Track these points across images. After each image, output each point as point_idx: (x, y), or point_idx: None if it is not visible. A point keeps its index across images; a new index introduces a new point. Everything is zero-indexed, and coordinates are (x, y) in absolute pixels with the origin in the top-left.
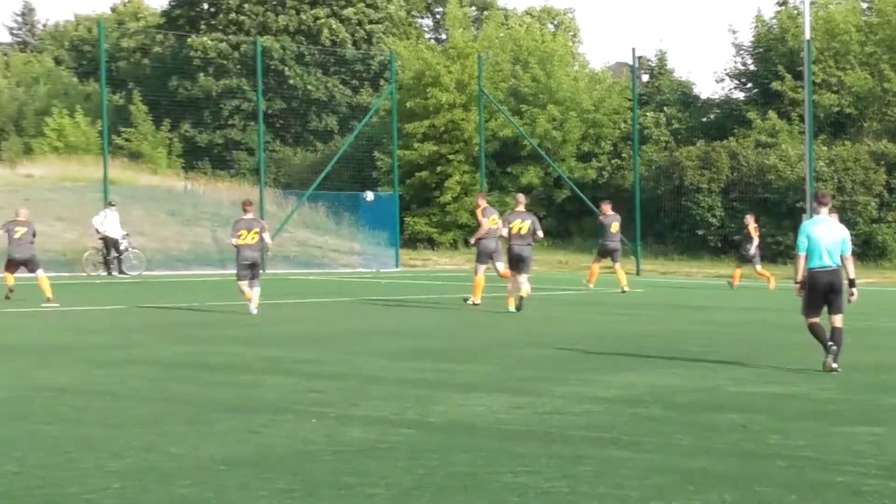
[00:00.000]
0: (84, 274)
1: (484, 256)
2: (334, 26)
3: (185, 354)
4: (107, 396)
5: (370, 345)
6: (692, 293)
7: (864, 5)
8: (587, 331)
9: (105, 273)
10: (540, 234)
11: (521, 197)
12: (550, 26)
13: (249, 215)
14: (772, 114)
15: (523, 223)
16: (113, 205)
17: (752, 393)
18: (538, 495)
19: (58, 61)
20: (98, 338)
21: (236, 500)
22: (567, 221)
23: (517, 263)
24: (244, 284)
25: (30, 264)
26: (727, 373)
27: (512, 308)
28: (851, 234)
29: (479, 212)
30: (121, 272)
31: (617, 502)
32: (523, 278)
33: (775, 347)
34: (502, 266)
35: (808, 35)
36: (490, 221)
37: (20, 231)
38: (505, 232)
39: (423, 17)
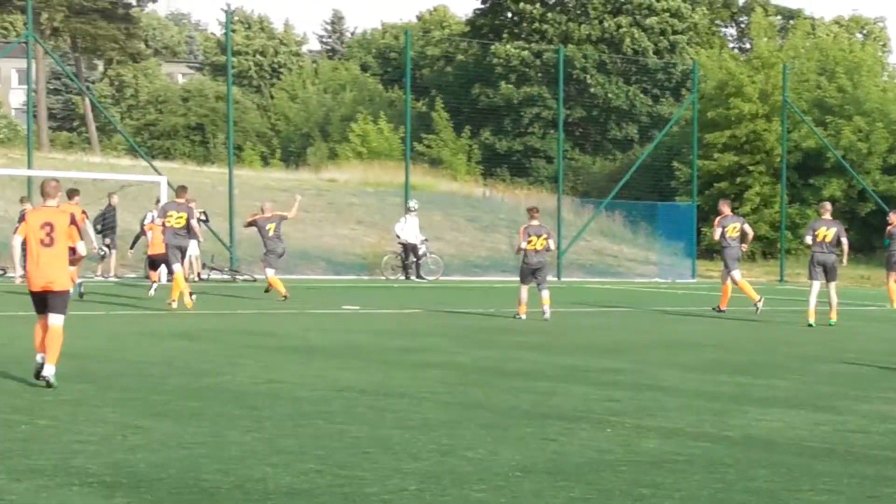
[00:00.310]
0: (383, 277)
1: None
2: (636, 35)
3: (482, 359)
4: (405, 399)
5: (666, 355)
6: None
7: None
8: (892, 348)
9: (403, 277)
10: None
11: (828, 205)
12: (859, 35)
13: (536, 221)
14: None
15: (828, 231)
16: (413, 210)
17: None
18: None
19: (364, 68)
20: (397, 341)
21: None
22: (870, 235)
23: (823, 271)
24: (525, 289)
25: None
26: None
27: (812, 321)
28: None
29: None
30: (418, 276)
31: None
32: (831, 287)
33: None
34: (738, 274)
35: None
36: (730, 230)
37: (271, 227)
38: (809, 240)
39: (726, 27)
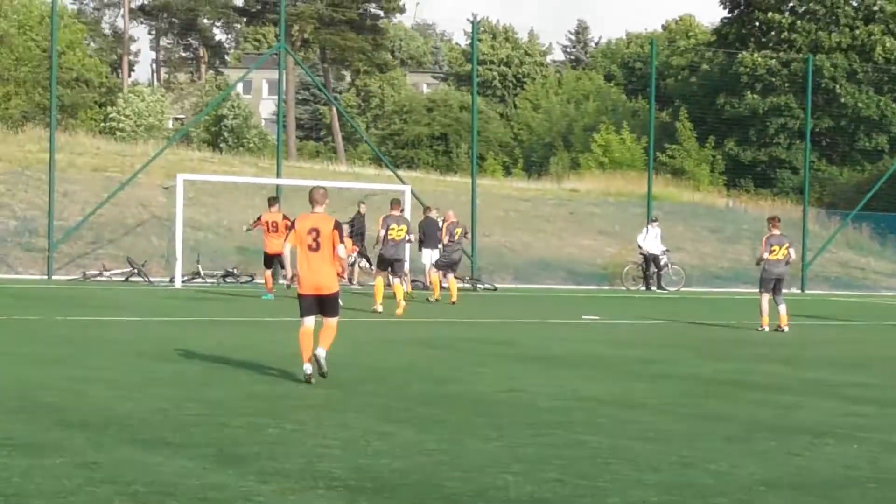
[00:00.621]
0: (623, 288)
1: None
2: (888, 44)
3: (723, 371)
4: (645, 410)
5: None
6: None
7: None
8: None
9: (644, 288)
10: None
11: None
12: None
13: (777, 231)
14: None
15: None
16: (655, 221)
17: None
18: None
19: (608, 78)
20: (637, 351)
21: None
22: None
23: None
24: (766, 299)
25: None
26: None
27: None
28: None
29: None
30: (659, 287)
31: None
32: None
33: None
34: None
35: None
36: None
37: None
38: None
39: None
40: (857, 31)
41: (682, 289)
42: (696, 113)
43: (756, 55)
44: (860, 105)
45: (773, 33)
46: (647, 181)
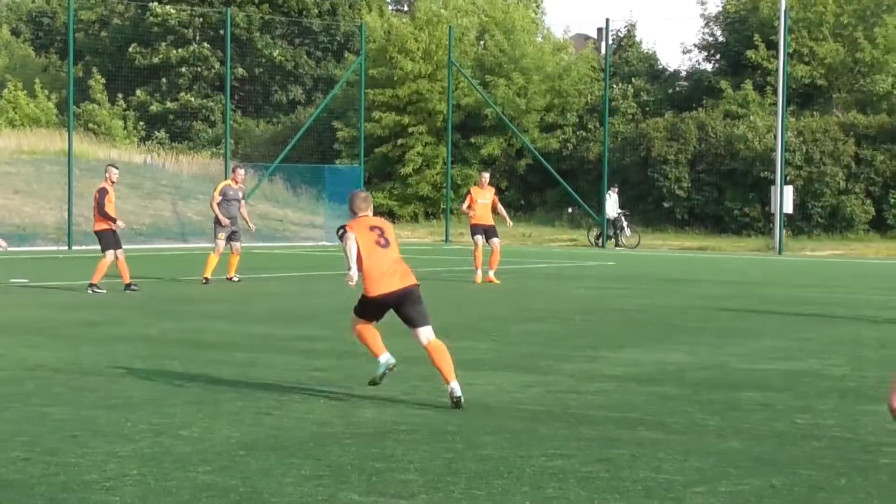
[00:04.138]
0: (49, 248)
1: None
2: None
3: (172, 331)
4: (102, 377)
5: None
6: (666, 266)
7: None
8: (576, 305)
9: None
10: None
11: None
12: None
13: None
14: (747, 83)
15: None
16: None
17: (763, 370)
18: (578, 481)
19: (15, 33)
20: (79, 314)
21: (263, 487)
22: (530, 193)
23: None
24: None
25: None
26: (732, 349)
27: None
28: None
29: None
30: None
31: (661, 487)
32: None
33: (775, 321)
34: None
35: (783, 4)
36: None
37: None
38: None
39: None
40: None
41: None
42: (108, 67)
43: (168, 7)
44: (275, 54)
45: None
46: (69, 139)
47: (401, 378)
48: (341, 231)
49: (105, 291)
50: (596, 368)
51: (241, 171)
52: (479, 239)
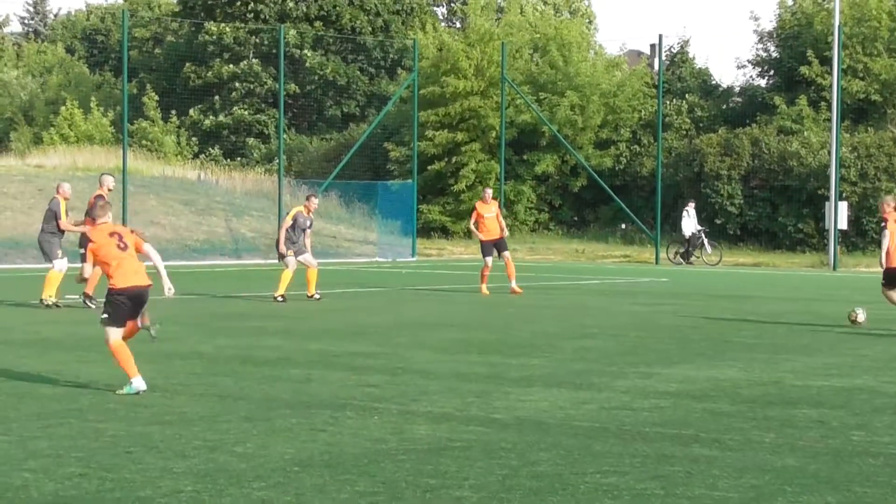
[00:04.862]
0: None
1: None
2: (350, 15)
3: (226, 347)
4: (156, 393)
5: (414, 337)
6: (719, 282)
7: None
8: (629, 321)
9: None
10: None
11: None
12: (566, 13)
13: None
14: (801, 98)
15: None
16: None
17: (818, 386)
18: (633, 498)
19: (70, 51)
20: None
21: (318, 503)
22: (583, 210)
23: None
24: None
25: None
26: (786, 365)
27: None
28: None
29: None
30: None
31: None
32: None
33: (830, 338)
34: None
35: (838, 20)
36: None
37: None
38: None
39: (437, 6)
40: (323, 2)
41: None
42: (163, 84)
43: (223, 25)
44: (327, 73)
45: (239, 4)
46: (123, 156)
47: (454, 394)
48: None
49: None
50: (650, 385)
51: (316, 200)
52: (491, 260)
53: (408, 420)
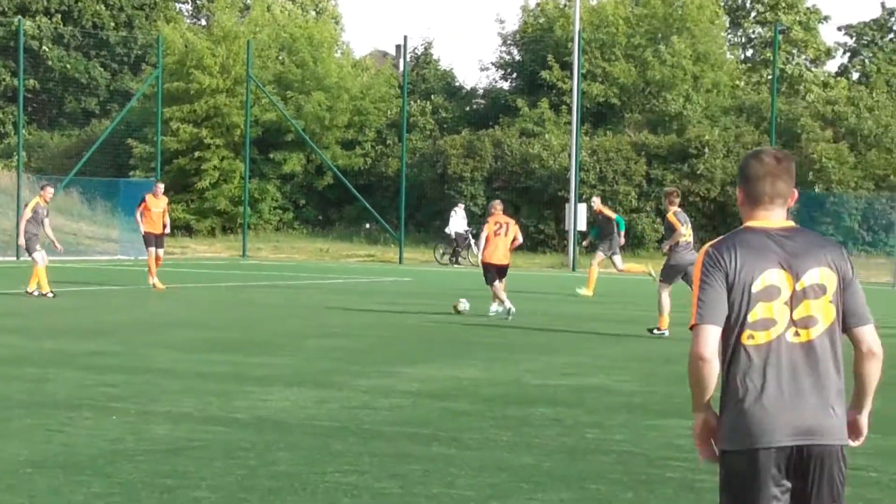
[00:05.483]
0: None
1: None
2: (98, 9)
3: None
4: None
5: (155, 336)
6: (464, 280)
7: None
8: (372, 321)
9: None
10: None
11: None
12: (313, 13)
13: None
14: (543, 101)
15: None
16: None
17: (555, 385)
18: (372, 497)
19: None
20: None
21: None
22: (328, 209)
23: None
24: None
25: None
26: (526, 364)
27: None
28: None
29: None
30: None
31: (454, 503)
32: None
33: (568, 338)
34: None
35: (577, 25)
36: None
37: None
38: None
39: (182, 3)
40: None
41: None
42: None
43: None
44: (68, 67)
45: None
46: None
47: (194, 393)
48: None
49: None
50: (391, 384)
51: (51, 190)
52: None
53: (146, 420)
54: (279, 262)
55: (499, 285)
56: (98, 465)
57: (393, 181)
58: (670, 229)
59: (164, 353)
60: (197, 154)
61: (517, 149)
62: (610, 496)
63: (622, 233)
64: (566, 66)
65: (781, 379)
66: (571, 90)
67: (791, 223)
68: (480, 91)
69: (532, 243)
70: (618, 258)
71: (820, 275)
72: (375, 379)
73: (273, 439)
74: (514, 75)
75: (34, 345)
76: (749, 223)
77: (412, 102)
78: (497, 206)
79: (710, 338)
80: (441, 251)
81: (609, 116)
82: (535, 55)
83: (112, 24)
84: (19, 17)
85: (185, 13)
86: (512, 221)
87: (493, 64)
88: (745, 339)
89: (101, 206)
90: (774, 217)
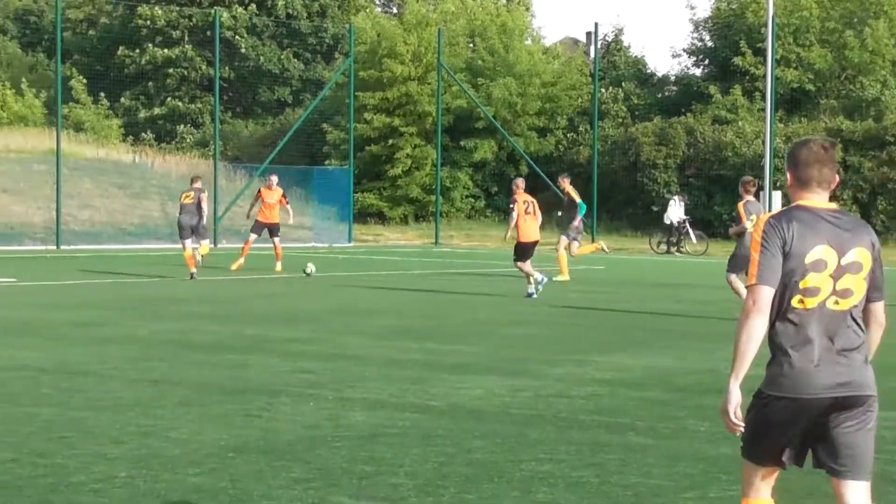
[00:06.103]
0: (38, 248)
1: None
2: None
3: (161, 332)
4: (90, 377)
5: (349, 323)
6: (654, 270)
7: None
8: (565, 309)
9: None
10: None
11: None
12: (504, 1)
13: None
14: (736, 88)
15: None
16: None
17: (753, 375)
18: (568, 486)
19: (2, 31)
20: (66, 314)
21: (252, 489)
22: None
23: None
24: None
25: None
26: (721, 353)
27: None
28: None
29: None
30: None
31: (651, 493)
32: None
33: None
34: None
35: (771, 10)
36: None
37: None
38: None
39: None
40: None
41: (92, 246)
42: (96, 67)
43: (156, 8)
44: (262, 58)
45: None
46: (56, 138)
47: (390, 380)
48: None
49: None
50: (585, 373)
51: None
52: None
53: (343, 406)
54: (471, 249)
55: (527, 263)
56: (297, 450)
57: (585, 168)
58: (737, 219)
59: (357, 339)
60: (390, 142)
61: (710, 136)
62: (812, 486)
63: (580, 218)
64: (759, 51)
65: (823, 339)
66: (765, 76)
67: (835, 205)
68: (672, 78)
69: (726, 230)
70: (575, 244)
71: (860, 254)
72: (568, 367)
73: (469, 427)
74: (706, 62)
75: (233, 331)
76: (801, 202)
77: (603, 90)
78: (520, 183)
79: (766, 297)
80: (658, 240)
81: (804, 102)
82: (728, 41)
83: (305, 13)
84: (216, 7)
85: (377, 2)
86: (533, 199)
87: (684, 50)
88: (795, 303)
89: (296, 194)
90: (820, 199)
